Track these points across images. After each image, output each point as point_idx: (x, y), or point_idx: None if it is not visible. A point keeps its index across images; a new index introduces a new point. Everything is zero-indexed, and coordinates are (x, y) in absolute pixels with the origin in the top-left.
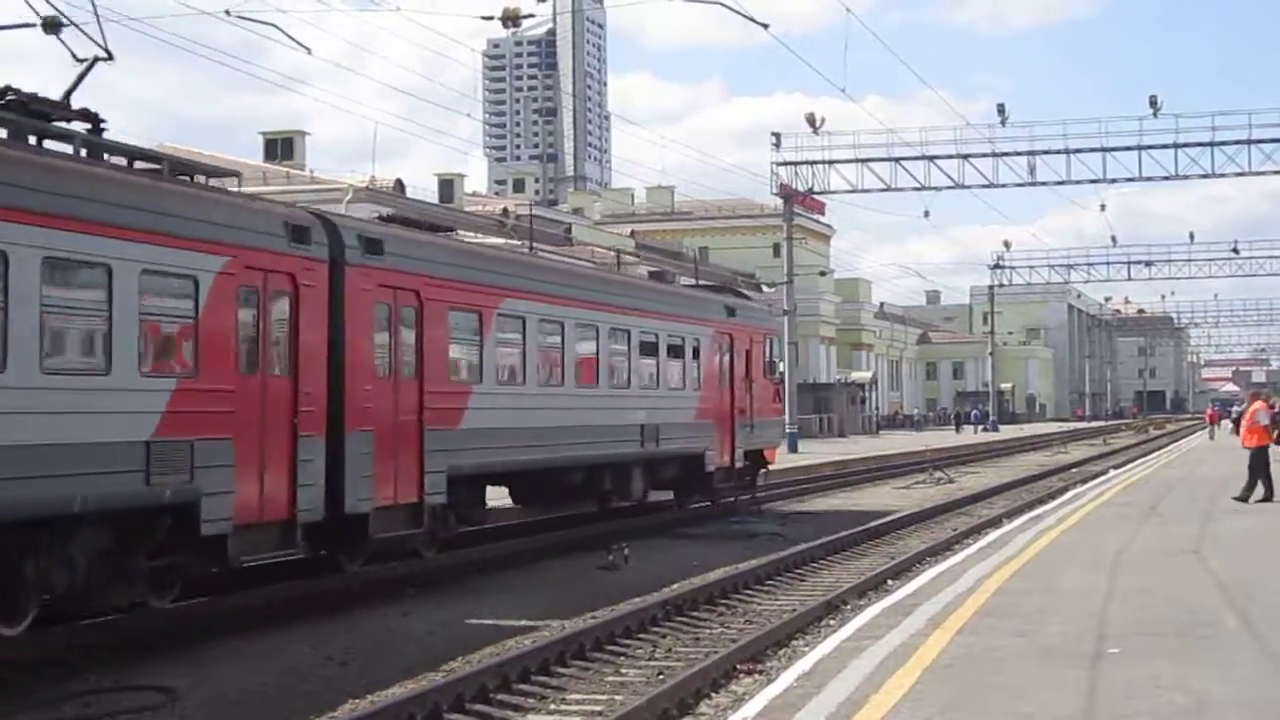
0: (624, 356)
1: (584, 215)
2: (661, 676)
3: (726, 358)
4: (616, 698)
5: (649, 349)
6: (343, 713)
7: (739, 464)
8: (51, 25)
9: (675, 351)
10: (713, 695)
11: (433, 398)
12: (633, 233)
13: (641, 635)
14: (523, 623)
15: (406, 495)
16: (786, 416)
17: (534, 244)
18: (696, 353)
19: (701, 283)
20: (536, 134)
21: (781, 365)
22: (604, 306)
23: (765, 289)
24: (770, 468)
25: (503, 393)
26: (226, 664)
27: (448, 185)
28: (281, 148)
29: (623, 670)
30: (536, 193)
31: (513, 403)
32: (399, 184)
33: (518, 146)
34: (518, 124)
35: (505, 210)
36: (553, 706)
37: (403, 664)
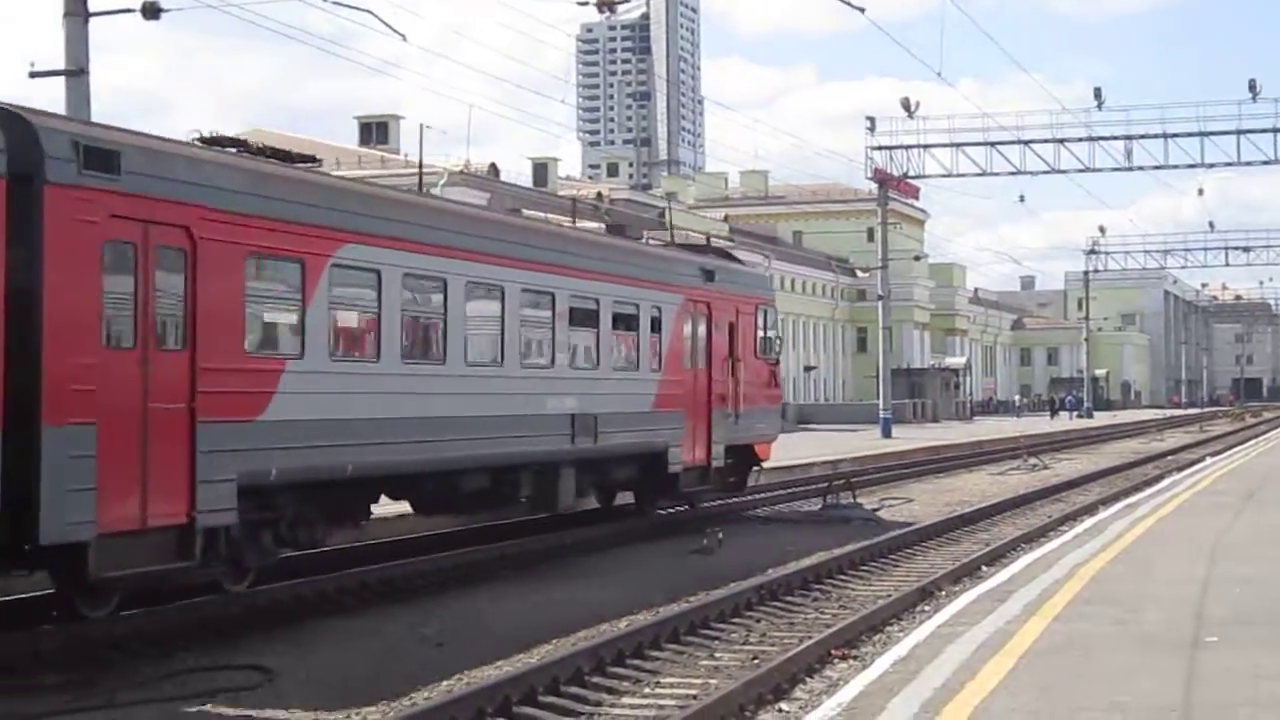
0: (545, 327)
1: (678, 199)
2: (756, 661)
3: (701, 331)
4: (711, 681)
5: (584, 318)
6: (438, 694)
7: (718, 462)
8: (151, 10)
9: (625, 322)
10: (807, 680)
11: (213, 377)
12: (726, 217)
13: (736, 619)
14: (616, 606)
15: (164, 515)
16: (779, 402)
17: (626, 228)
18: (657, 324)
19: (679, 244)
20: (630, 118)
21: (779, 342)
22: (513, 261)
23: (860, 273)
24: (765, 465)
25: (340, 371)
26: (323, 644)
27: (541, 169)
28: (376, 132)
29: (717, 654)
30: (630, 177)
31: (360, 385)
32: (493, 168)
33: (611, 131)
34: (611, 108)
35: (599, 194)
36: (647, 690)
37: (497, 646)
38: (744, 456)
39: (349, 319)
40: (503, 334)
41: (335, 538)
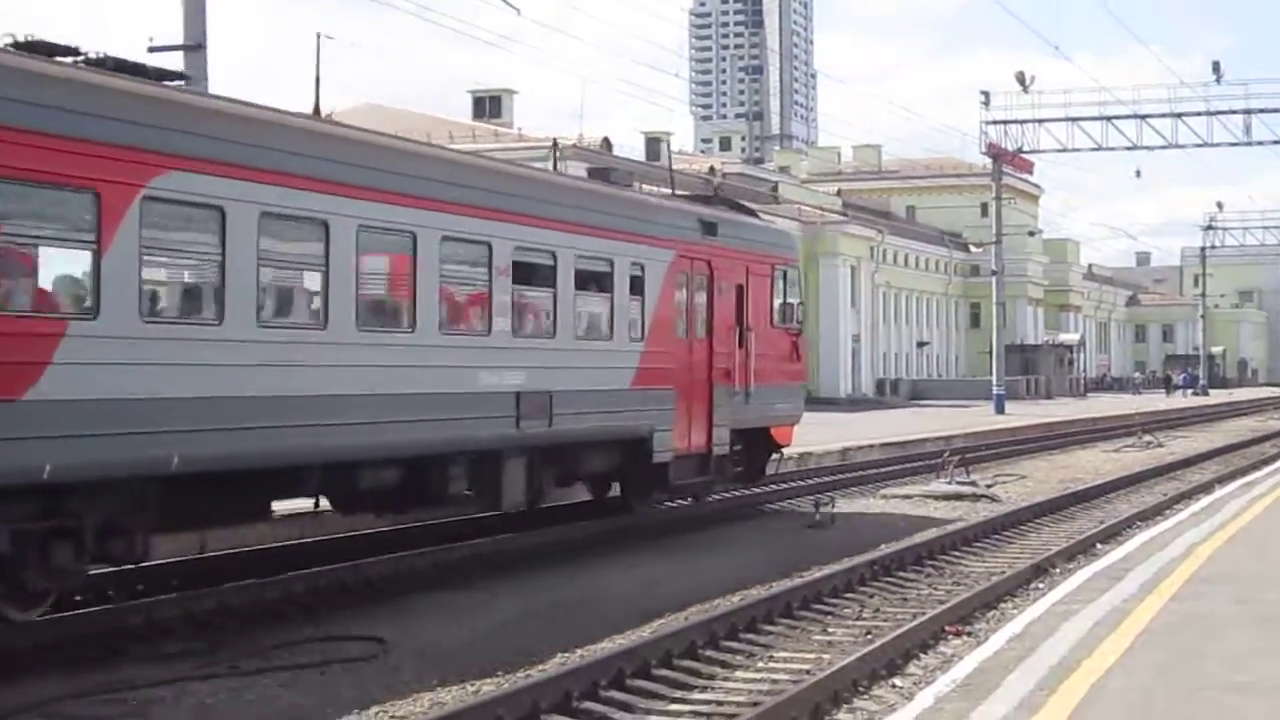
0: (478, 285)
1: (790, 174)
2: (870, 636)
3: (700, 295)
4: (824, 656)
5: (535, 276)
6: (552, 666)
7: (721, 448)
8: None
9: (594, 282)
10: (921, 656)
11: None
12: (839, 191)
13: (849, 594)
14: (729, 580)
15: None
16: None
17: (611, 172)
18: (638, 285)
19: (680, 195)
20: (743, 92)
21: (802, 309)
22: (428, 202)
23: (973, 249)
24: (787, 451)
25: (158, 337)
26: (436, 616)
27: (654, 143)
28: (490, 106)
29: (830, 629)
30: (743, 151)
31: (191, 355)
32: (606, 142)
33: (724, 105)
34: (724, 82)
35: (711, 168)
36: (760, 664)
37: (609, 619)
38: (758, 442)
39: (173, 270)
40: (414, 292)
41: (177, 548)
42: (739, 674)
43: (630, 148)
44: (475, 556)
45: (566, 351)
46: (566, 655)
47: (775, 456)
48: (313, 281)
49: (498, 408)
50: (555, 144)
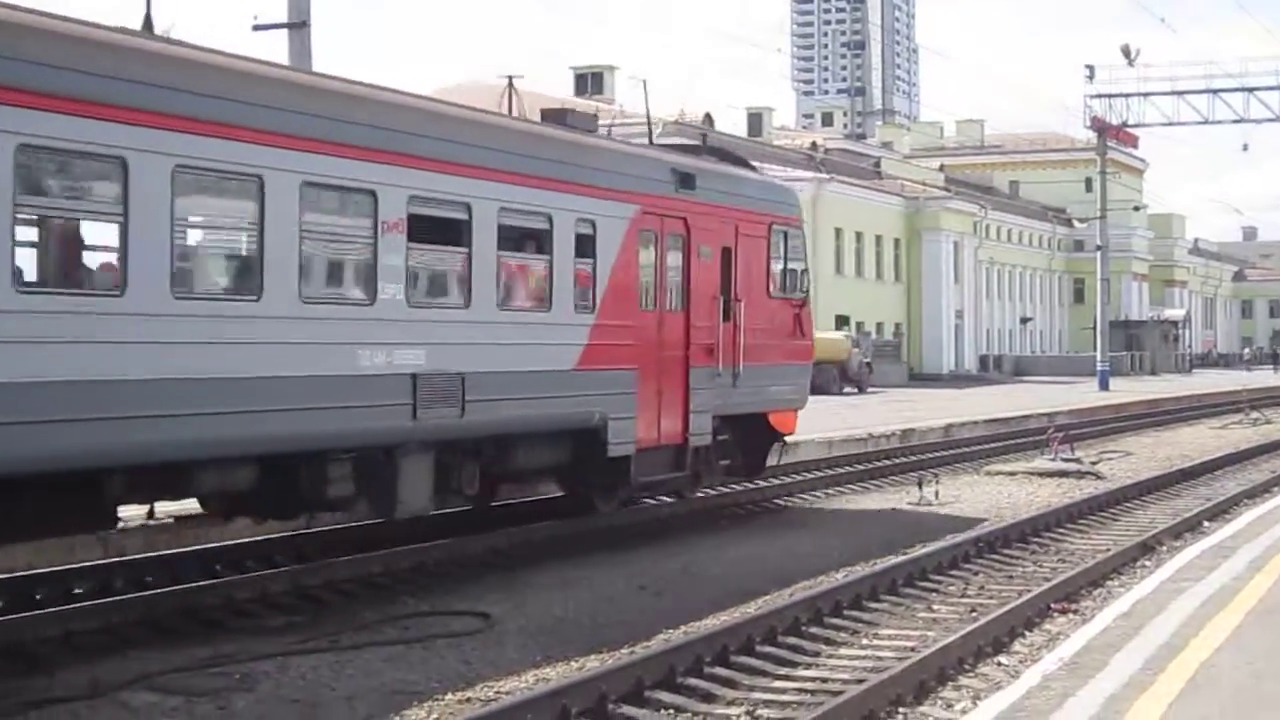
0: (360, 243)
1: (892, 149)
2: (974, 614)
3: (674, 260)
4: (929, 634)
5: (441, 232)
6: (656, 642)
7: (700, 439)
8: None
9: (526, 241)
10: (1027, 634)
11: None
12: (942, 166)
13: (953, 572)
14: (833, 557)
15: None
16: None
17: (569, 113)
18: (587, 246)
19: (659, 145)
20: (844, 68)
21: (807, 277)
22: (278, 138)
23: (1077, 224)
24: (789, 439)
25: None
26: (541, 591)
27: (756, 119)
28: (591, 82)
29: (934, 606)
30: (845, 127)
31: None
32: (708, 118)
33: (825, 80)
34: (825, 58)
35: (814, 144)
36: (864, 641)
37: (713, 596)
38: (753, 431)
39: None
40: (260, 251)
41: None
42: (843, 651)
43: (733, 124)
44: (579, 533)
45: (485, 325)
46: (670, 631)
47: (779, 444)
48: (106, 235)
49: (385, 394)
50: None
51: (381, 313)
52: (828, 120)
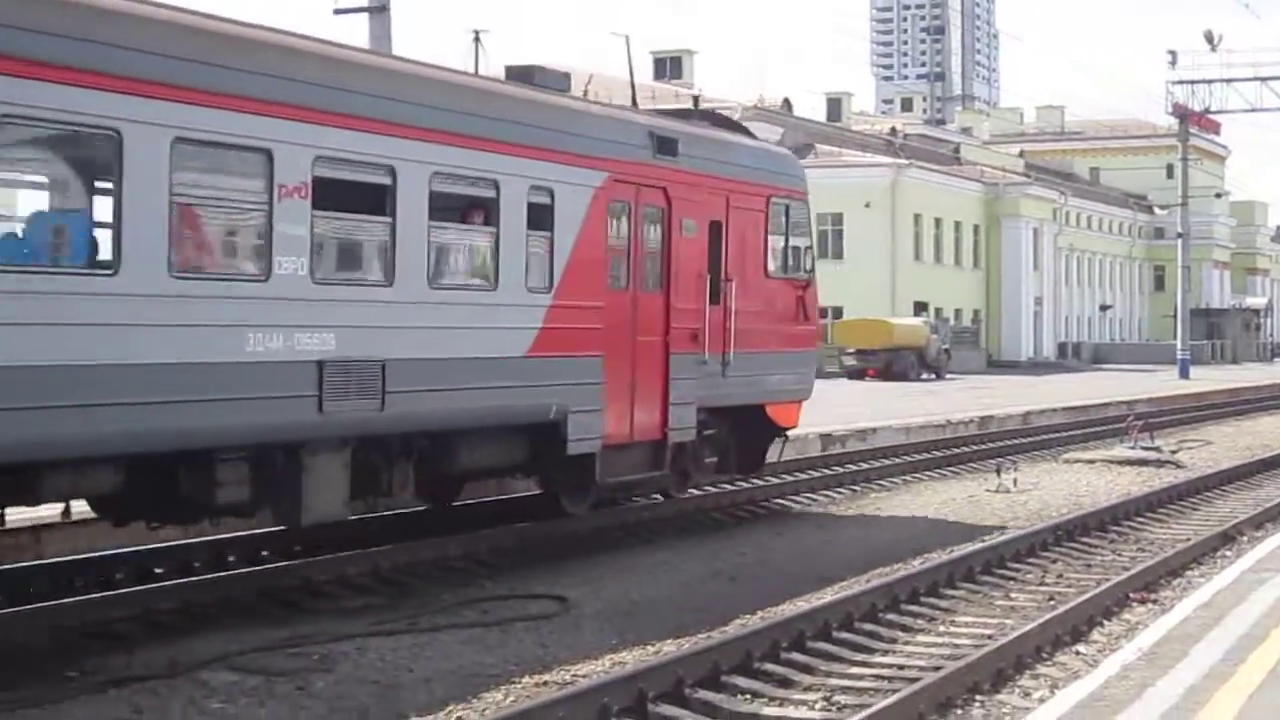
0: (251, 210)
1: (972, 134)
2: (1053, 602)
3: (651, 234)
4: (1006, 622)
5: (360, 199)
6: (733, 627)
7: (682, 434)
8: None
9: (466, 211)
10: (1105, 623)
11: None
12: (1022, 152)
13: (1031, 560)
14: (910, 543)
15: None
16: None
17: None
18: (543, 218)
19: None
20: (924, 53)
21: (811, 256)
22: (144, 86)
23: (1158, 211)
24: (792, 432)
25: None
26: (617, 576)
27: (835, 104)
28: (670, 66)
29: (1012, 595)
30: (924, 112)
31: None
32: (786, 103)
33: (905, 65)
34: (905, 43)
35: (893, 129)
36: (941, 628)
37: (790, 581)
38: (749, 425)
39: None
40: (118, 218)
41: None
42: (920, 638)
43: (811, 109)
44: (657, 518)
45: (412, 306)
46: (746, 617)
47: (781, 438)
48: None
49: (283, 384)
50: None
51: (277, 290)
52: (907, 105)
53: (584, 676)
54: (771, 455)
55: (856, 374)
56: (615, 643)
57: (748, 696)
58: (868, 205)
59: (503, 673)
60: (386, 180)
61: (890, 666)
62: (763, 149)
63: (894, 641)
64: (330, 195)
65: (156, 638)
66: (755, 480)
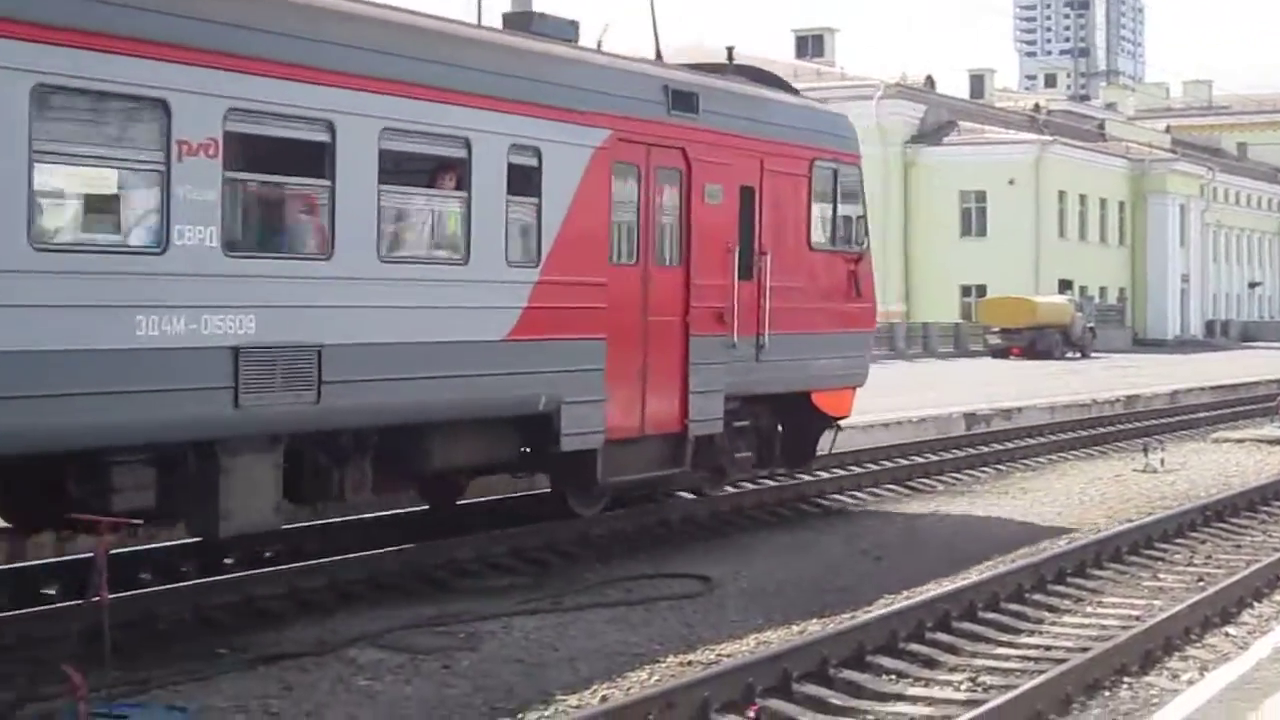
0: (144, 171)
1: (1116, 110)
2: (1201, 583)
3: (667, 201)
4: (1154, 603)
5: (287, 159)
6: (878, 607)
7: (704, 426)
8: None
9: (434, 174)
10: (1255, 605)
11: None
12: (1168, 128)
13: (1180, 540)
14: (1057, 523)
15: None
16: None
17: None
18: (528, 182)
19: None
20: (1068, 28)
21: (864, 226)
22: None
23: None
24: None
25: None
26: (761, 555)
27: (978, 80)
28: (812, 45)
29: (1160, 575)
30: (1068, 88)
31: None
32: (929, 80)
33: (1048, 41)
34: (1048, 18)
35: (1036, 106)
36: (1088, 609)
37: (934, 561)
38: (793, 414)
39: None
40: None
41: None
42: (1066, 619)
43: (954, 86)
44: (801, 497)
45: (357, 283)
46: (891, 596)
47: (831, 430)
48: None
49: (186, 374)
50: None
51: (177, 265)
52: (1051, 81)
53: (728, 656)
54: (822, 447)
55: (1000, 353)
56: (759, 622)
57: (892, 677)
58: (1011, 182)
59: (647, 651)
60: (322, 137)
61: (1036, 647)
62: (805, 106)
63: (1040, 622)
64: (248, 154)
65: (305, 615)
66: (900, 459)
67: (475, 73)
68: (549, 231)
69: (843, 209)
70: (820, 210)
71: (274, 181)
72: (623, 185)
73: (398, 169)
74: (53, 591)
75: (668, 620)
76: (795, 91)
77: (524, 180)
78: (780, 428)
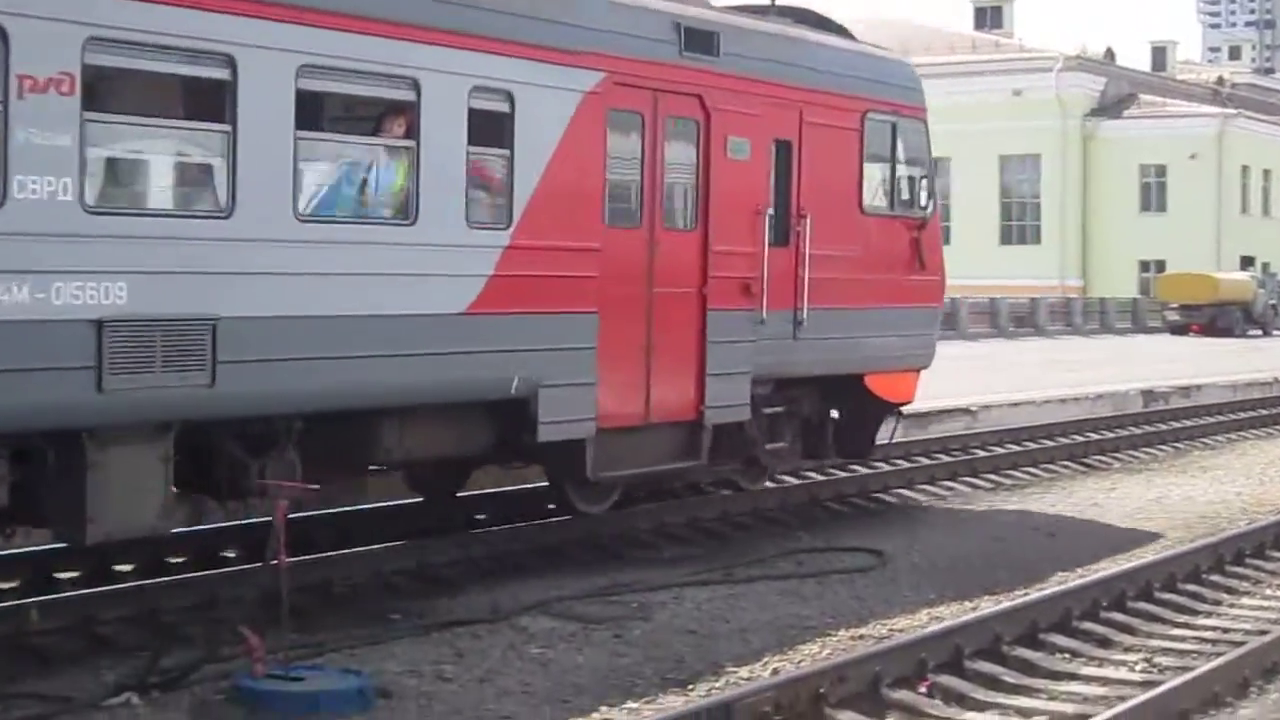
0: None
1: None
2: None
3: (678, 152)
4: None
5: (167, 98)
6: (1051, 584)
7: (724, 413)
8: None
9: (378, 120)
10: None
11: None
12: None
13: None
14: (1237, 502)
15: None
16: None
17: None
18: (497, 129)
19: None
20: None
21: (930, 186)
22: None
23: None
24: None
25: None
26: (933, 529)
27: (1159, 53)
28: (990, 16)
29: None
30: (1253, 60)
31: None
32: (1109, 52)
33: (1232, 13)
34: None
35: (1220, 79)
36: (1268, 591)
37: (1109, 539)
38: (845, 400)
39: None
40: None
41: None
42: (1245, 600)
43: (1136, 58)
44: (974, 472)
45: (265, 245)
46: (1064, 574)
47: (894, 418)
48: None
49: (31, 351)
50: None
51: (18, 222)
52: (1235, 54)
53: (900, 630)
54: (882, 436)
55: (1180, 329)
56: (931, 597)
57: (1066, 655)
58: (1193, 157)
59: (819, 625)
60: (220, 73)
61: (1213, 629)
62: (857, 51)
63: (1218, 604)
64: (117, 92)
65: (478, 583)
66: (1076, 436)
67: (423, 1)
68: (523, 189)
69: (904, 168)
70: (875, 169)
71: (153, 125)
72: (622, 137)
73: (323, 114)
74: (233, 554)
75: (839, 593)
76: (851, 36)
77: (491, 129)
78: (833, 415)
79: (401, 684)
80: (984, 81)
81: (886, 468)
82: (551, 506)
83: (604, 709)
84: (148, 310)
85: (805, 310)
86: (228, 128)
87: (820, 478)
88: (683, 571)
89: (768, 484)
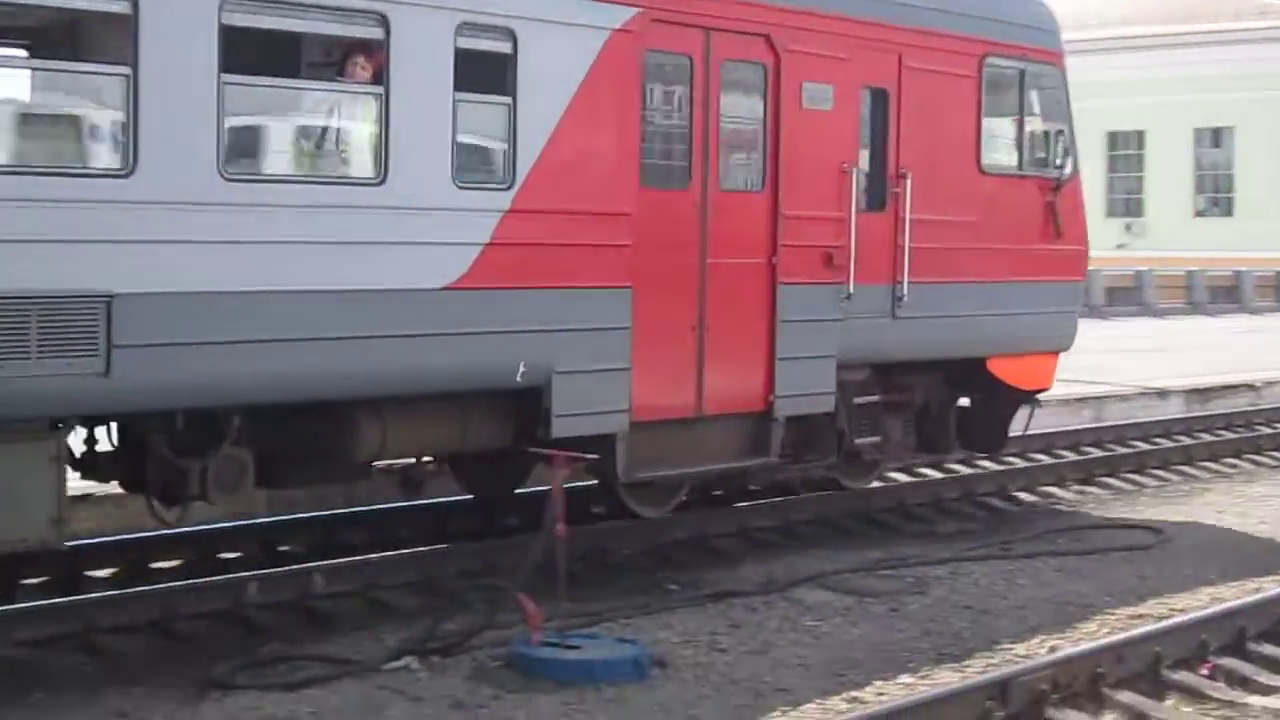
0: None
1: None
2: None
3: (738, 103)
4: None
5: (46, 33)
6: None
7: (804, 403)
8: None
9: (318, 60)
10: None
11: None
12: None
13: None
14: None
15: None
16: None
17: None
18: (494, 76)
19: None
20: None
21: (1069, 144)
22: None
23: None
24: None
25: None
26: (1214, 508)
27: None
28: None
29: None
30: None
31: None
32: None
33: None
34: None
35: None
36: None
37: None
38: (970, 386)
39: None
40: None
41: None
42: None
43: None
44: (1256, 449)
45: (180, 209)
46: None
47: (1029, 406)
48: None
49: None
50: None
51: None
52: None
53: (1180, 611)
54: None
55: None
56: (1213, 577)
57: None
58: None
59: (1096, 603)
60: (121, 6)
61: None
62: None
63: None
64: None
65: (754, 555)
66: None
67: None
68: (530, 144)
69: (1034, 122)
70: (995, 123)
71: (24, 64)
72: (663, 83)
73: (258, 55)
74: (514, 522)
75: (1118, 571)
76: None
77: (487, 74)
78: (962, 404)
79: (677, 654)
80: None
81: (1167, 444)
82: (597, 510)
83: (878, 683)
84: (16, 285)
85: (906, 284)
86: (126, 69)
87: (1099, 453)
88: (959, 546)
89: (1026, 460)
